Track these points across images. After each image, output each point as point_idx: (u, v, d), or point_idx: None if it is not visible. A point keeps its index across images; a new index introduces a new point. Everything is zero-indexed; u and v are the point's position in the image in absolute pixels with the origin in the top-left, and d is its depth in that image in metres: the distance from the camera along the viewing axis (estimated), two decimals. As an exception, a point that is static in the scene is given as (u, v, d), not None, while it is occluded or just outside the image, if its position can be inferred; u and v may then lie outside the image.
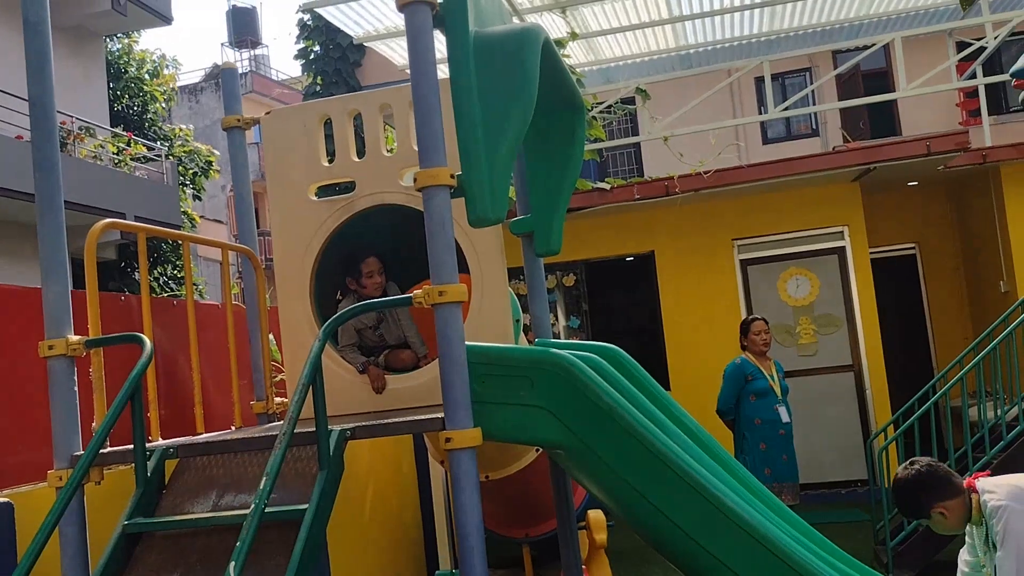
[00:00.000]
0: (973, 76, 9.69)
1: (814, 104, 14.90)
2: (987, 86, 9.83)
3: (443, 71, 2.74)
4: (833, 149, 11.72)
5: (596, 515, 6.08)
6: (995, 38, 9.34)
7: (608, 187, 8.80)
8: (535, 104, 2.84)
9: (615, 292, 11.78)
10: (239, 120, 4.08)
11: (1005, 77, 8.07)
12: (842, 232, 8.96)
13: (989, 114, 9.80)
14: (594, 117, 9.31)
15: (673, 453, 2.69)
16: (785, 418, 6.20)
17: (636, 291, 11.00)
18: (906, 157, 8.29)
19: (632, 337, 10.00)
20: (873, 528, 6.45)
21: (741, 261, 9.25)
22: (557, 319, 9.80)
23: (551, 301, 9.82)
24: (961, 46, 10.52)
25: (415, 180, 2.64)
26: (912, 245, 10.82)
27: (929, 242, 10.70)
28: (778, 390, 6.26)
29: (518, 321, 4.85)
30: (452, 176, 2.64)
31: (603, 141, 9.62)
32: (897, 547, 5.93)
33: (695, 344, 8.97)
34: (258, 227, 4.37)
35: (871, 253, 9.07)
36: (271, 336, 4.67)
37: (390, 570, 6.13)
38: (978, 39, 9.71)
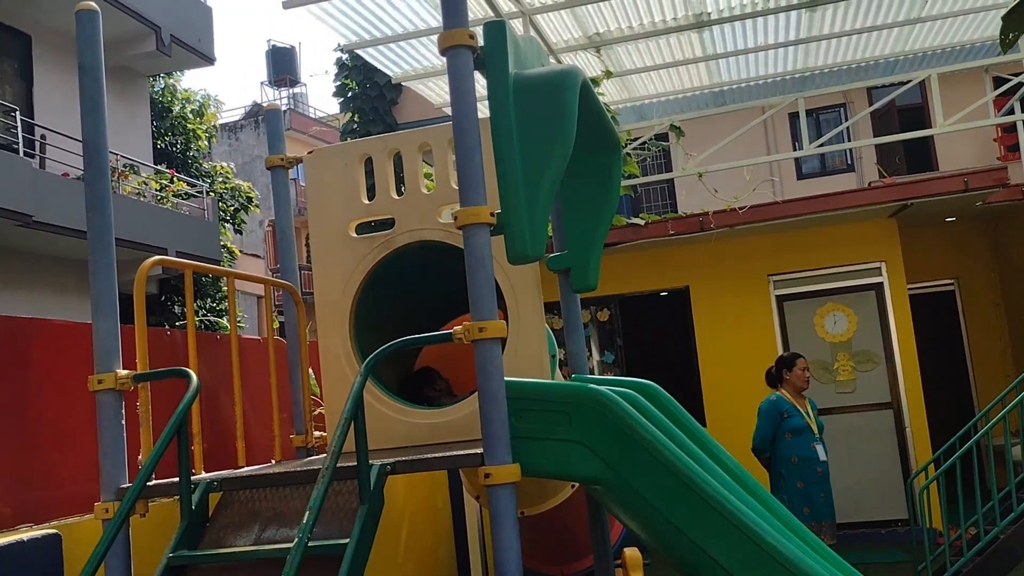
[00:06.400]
0: (1011, 112, 9.62)
1: (849, 140, 14.83)
2: (1025, 121, 9.75)
3: (482, 109, 2.80)
4: (869, 184, 11.67)
5: (632, 553, 6.02)
6: (1033, 73, 9.28)
7: (642, 222, 8.82)
8: (573, 144, 2.89)
9: (650, 327, 11.75)
10: (282, 159, 4.17)
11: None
12: (879, 268, 8.89)
13: (1028, 149, 9.69)
14: (628, 153, 9.37)
15: (711, 488, 2.69)
16: (823, 456, 6.12)
17: (671, 326, 10.97)
18: (944, 193, 8.24)
19: (667, 372, 9.93)
20: (914, 569, 6.33)
21: (777, 297, 9.20)
22: (591, 354, 9.78)
23: (585, 336, 9.81)
24: (998, 81, 10.45)
25: (455, 218, 2.69)
26: (951, 281, 10.70)
27: (968, 277, 10.57)
28: (814, 427, 6.19)
29: (554, 356, 4.87)
30: (492, 214, 2.69)
31: (637, 177, 9.66)
32: (940, 589, 5.82)
33: (731, 380, 8.91)
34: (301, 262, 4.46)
35: (909, 289, 8.98)
36: (310, 370, 4.73)
37: (424, 606, 6.11)
38: (1015, 74, 9.66)
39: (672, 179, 15.69)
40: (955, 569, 5.83)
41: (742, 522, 2.64)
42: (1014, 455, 6.61)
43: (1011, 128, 12.82)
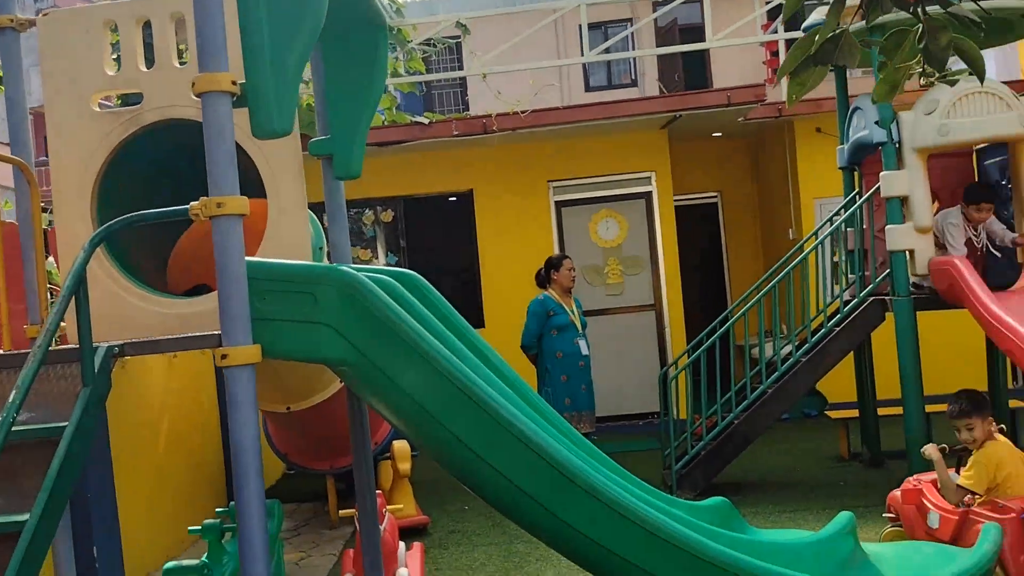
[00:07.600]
0: (775, 32, 10.25)
1: (633, 50, 15.36)
2: (788, 43, 10.41)
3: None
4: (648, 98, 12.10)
5: (400, 445, 6.16)
6: (796, -3, 9.87)
7: (427, 121, 8.74)
8: (333, 19, 2.76)
9: (435, 230, 11.79)
10: (12, 20, 3.73)
11: (800, 34, 8.56)
12: (650, 178, 9.34)
13: (789, 71, 10.36)
14: (413, 49, 9.18)
15: (456, 369, 2.75)
16: (584, 351, 6.47)
17: (456, 229, 11.06)
18: (708, 106, 8.70)
19: (451, 275, 10.07)
20: (662, 455, 6.87)
21: (556, 202, 9.48)
22: (377, 256, 9.72)
23: (370, 237, 9.72)
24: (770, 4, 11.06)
25: (193, 85, 2.52)
26: (715, 194, 11.43)
27: (730, 191, 11.33)
28: (578, 324, 6.52)
29: (321, 248, 4.77)
30: (234, 83, 2.53)
31: (422, 74, 9.51)
32: (680, 471, 6.36)
33: (510, 283, 9.13)
34: (45, 155, 4.05)
35: (677, 200, 9.50)
36: (51, 259, 4.38)
37: (189, 503, 5.98)
38: (783, -1, 10.25)
39: (465, 79, 15.64)
40: (695, 452, 6.40)
41: (482, 399, 2.72)
42: (756, 353, 7.24)
43: (778, 52, 13.70)
